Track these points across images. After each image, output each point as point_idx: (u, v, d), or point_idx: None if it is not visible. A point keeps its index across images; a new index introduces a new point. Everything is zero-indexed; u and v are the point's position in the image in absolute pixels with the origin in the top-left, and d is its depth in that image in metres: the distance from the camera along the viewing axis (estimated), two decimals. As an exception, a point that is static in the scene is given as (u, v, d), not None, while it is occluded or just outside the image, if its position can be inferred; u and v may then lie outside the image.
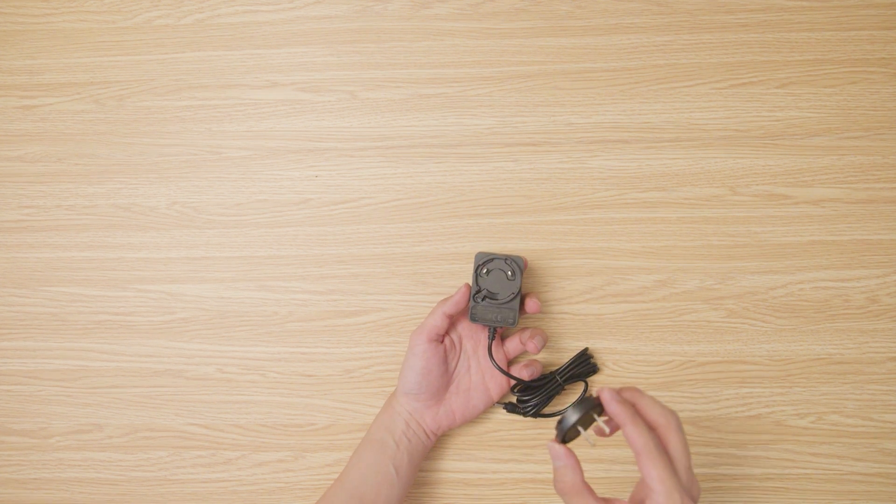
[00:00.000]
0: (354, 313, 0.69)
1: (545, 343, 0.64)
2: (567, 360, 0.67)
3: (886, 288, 0.67)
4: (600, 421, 0.51)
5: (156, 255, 0.70)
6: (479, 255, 0.62)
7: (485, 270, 0.62)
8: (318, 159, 0.69)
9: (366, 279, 0.69)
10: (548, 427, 0.68)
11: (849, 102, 0.67)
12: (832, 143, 0.67)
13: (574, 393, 0.67)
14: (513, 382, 0.65)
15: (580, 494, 0.48)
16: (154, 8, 0.70)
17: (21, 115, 0.70)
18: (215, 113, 0.70)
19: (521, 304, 0.63)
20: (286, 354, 0.69)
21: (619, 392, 0.49)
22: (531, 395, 0.66)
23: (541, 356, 0.68)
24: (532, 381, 0.65)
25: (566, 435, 0.50)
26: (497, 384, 0.65)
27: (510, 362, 0.67)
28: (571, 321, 0.68)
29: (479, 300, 0.62)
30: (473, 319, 0.62)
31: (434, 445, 0.67)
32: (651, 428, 0.49)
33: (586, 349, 0.67)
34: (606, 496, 0.48)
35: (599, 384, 0.67)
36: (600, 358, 0.68)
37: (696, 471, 0.66)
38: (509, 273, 0.62)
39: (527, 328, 0.66)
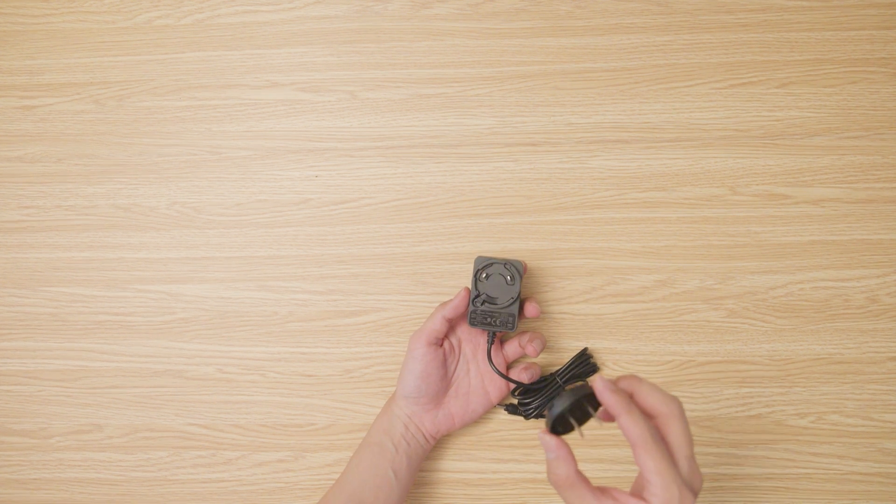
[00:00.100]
0: (354, 313, 0.69)
1: (544, 346, 0.64)
2: (567, 361, 0.67)
3: (886, 288, 0.67)
4: (594, 413, 0.48)
5: (156, 255, 0.70)
6: (478, 260, 0.62)
7: (484, 275, 0.62)
8: (318, 159, 0.69)
9: (366, 279, 0.69)
10: (548, 427, 0.68)
11: (849, 102, 0.67)
12: (832, 143, 0.67)
13: (574, 393, 0.67)
14: (512, 386, 0.65)
15: (574, 486, 0.46)
16: (154, 8, 0.70)
17: (21, 116, 0.70)
18: (215, 113, 0.70)
19: (521, 308, 0.63)
20: (286, 354, 0.69)
21: (615, 381, 0.48)
22: (532, 398, 0.66)
23: (540, 357, 0.68)
24: (532, 383, 0.65)
25: (555, 425, 0.48)
26: (496, 388, 0.65)
27: (509, 365, 0.67)
28: (571, 321, 0.68)
29: (479, 304, 0.62)
30: (473, 324, 0.62)
31: (433, 448, 0.67)
32: (651, 416, 0.47)
33: (586, 349, 0.67)
34: (602, 485, 0.47)
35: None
36: (600, 358, 0.68)
37: (695, 471, 0.66)
38: (508, 278, 0.62)
39: (526, 332, 0.66)
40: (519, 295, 0.62)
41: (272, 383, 0.69)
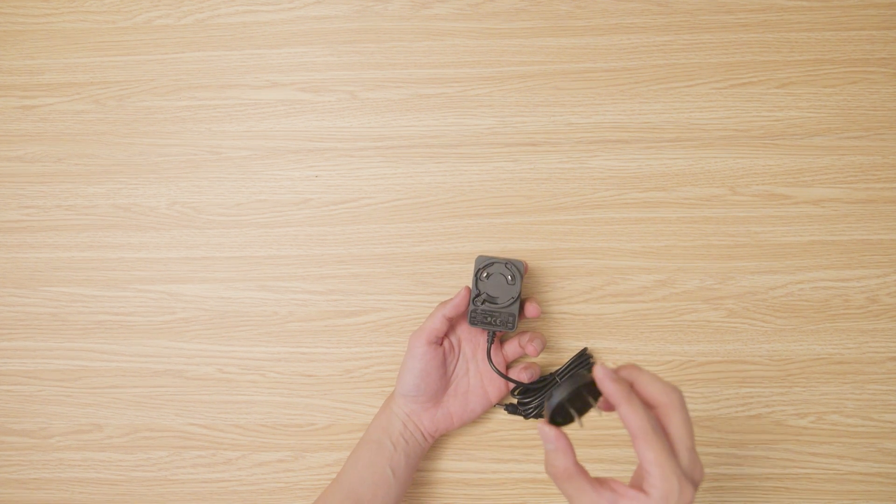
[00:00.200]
0: (354, 313, 0.69)
1: (544, 346, 0.64)
2: (567, 361, 0.67)
3: (886, 288, 0.67)
4: (594, 403, 0.47)
5: (156, 255, 0.70)
6: (479, 259, 0.62)
7: (485, 274, 0.62)
8: (318, 159, 0.69)
9: (366, 279, 0.69)
10: (548, 427, 0.68)
11: (849, 102, 0.67)
12: (832, 143, 0.67)
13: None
14: (512, 386, 0.65)
15: (572, 478, 0.46)
16: (154, 8, 0.70)
17: (21, 115, 0.70)
18: (215, 113, 0.70)
19: (521, 308, 0.63)
20: (286, 354, 0.69)
21: (615, 370, 0.47)
22: (532, 398, 0.66)
23: (540, 357, 0.68)
24: (531, 383, 0.65)
25: (554, 415, 0.47)
26: (495, 387, 0.65)
27: (509, 365, 0.67)
28: (571, 321, 0.68)
29: (479, 304, 0.62)
30: (473, 323, 0.62)
31: (431, 446, 0.67)
32: (651, 406, 0.46)
33: (585, 349, 0.67)
34: (601, 477, 0.47)
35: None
36: (600, 358, 0.68)
37: (695, 471, 0.66)
38: (509, 277, 0.62)
39: (526, 331, 0.66)
40: (519, 295, 0.62)
41: (272, 383, 0.69)
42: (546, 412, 0.47)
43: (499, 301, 0.62)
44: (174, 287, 0.69)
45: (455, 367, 0.64)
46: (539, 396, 0.65)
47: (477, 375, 0.65)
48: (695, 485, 0.45)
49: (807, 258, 0.67)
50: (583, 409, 0.48)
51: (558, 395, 0.46)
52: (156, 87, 0.70)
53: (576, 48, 0.68)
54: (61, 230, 0.70)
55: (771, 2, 0.67)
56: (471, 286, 0.62)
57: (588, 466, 0.66)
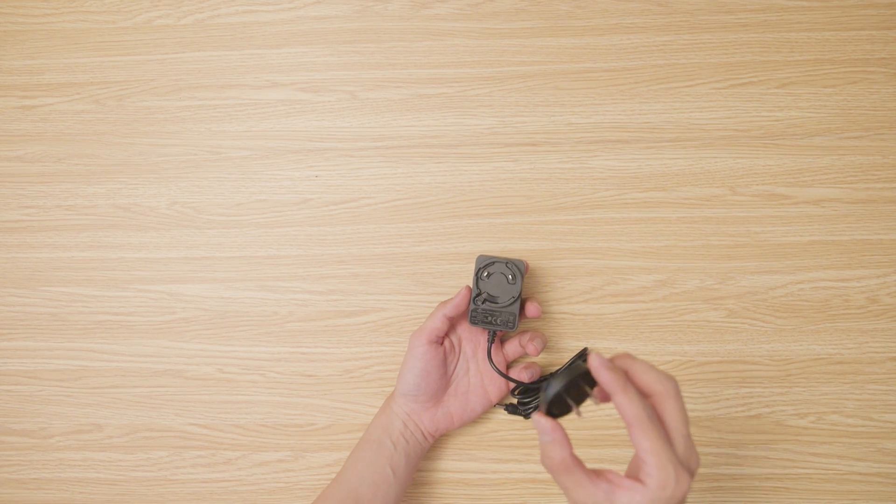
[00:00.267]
0: (354, 313, 0.69)
1: (544, 346, 0.64)
2: (567, 361, 0.67)
3: (886, 288, 0.67)
4: (590, 392, 0.47)
5: (156, 255, 0.70)
6: (480, 259, 0.62)
7: (486, 274, 0.62)
8: (318, 159, 0.69)
9: (366, 279, 0.69)
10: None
11: (849, 102, 0.67)
12: (832, 143, 0.67)
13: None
14: (512, 385, 0.65)
15: (569, 470, 0.45)
16: (154, 8, 0.70)
17: (21, 115, 0.70)
18: (215, 113, 0.70)
19: (522, 308, 0.63)
20: (286, 354, 0.69)
21: (610, 359, 0.46)
22: (532, 398, 0.66)
23: (541, 357, 0.68)
24: (532, 382, 0.65)
25: (551, 407, 0.47)
26: (496, 387, 0.65)
27: (509, 365, 0.67)
28: (571, 321, 0.68)
29: (480, 303, 0.62)
30: (473, 322, 0.62)
31: (432, 446, 0.67)
32: (646, 395, 0.46)
33: (585, 349, 0.67)
34: (597, 468, 0.46)
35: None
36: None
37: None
38: (510, 277, 0.62)
39: (526, 331, 0.66)
40: (520, 294, 0.62)
41: (272, 383, 0.69)
42: (543, 404, 0.47)
43: (499, 300, 0.62)
44: (174, 287, 0.69)
45: (455, 367, 0.64)
46: (539, 396, 0.65)
47: (477, 375, 0.65)
48: (691, 473, 0.45)
49: (807, 258, 0.67)
50: (580, 400, 0.47)
51: (555, 386, 0.46)
52: (156, 87, 0.70)
53: (576, 48, 0.68)
54: (61, 230, 0.70)
55: (771, 2, 0.67)
56: (471, 285, 0.62)
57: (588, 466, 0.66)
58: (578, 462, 0.46)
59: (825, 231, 0.67)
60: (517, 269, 0.62)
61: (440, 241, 0.68)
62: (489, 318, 0.62)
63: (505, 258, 0.62)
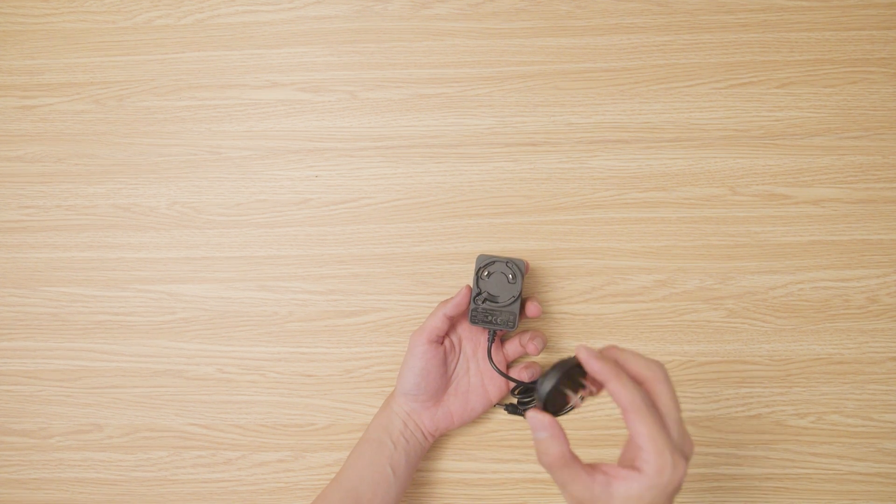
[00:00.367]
0: (354, 313, 0.69)
1: (545, 345, 0.64)
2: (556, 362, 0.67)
3: (886, 288, 0.67)
4: (585, 384, 0.47)
5: (156, 255, 0.70)
6: (480, 258, 0.62)
7: (486, 273, 0.62)
8: (318, 159, 0.69)
9: (366, 279, 0.69)
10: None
11: (849, 102, 0.67)
12: (832, 143, 0.67)
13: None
14: (512, 385, 0.65)
15: (568, 466, 0.45)
16: (154, 8, 0.70)
17: (21, 115, 0.70)
18: (215, 113, 0.70)
19: (522, 307, 0.63)
20: (286, 354, 0.69)
21: (598, 351, 0.46)
22: (532, 397, 0.66)
23: (541, 356, 0.68)
24: (532, 382, 0.65)
25: (546, 402, 0.47)
26: (496, 387, 0.65)
27: (509, 364, 0.67)
28: (571, 321, 0.68)
29: (480, 303, 0.62)
30: (474, 322, 0.62)
31: (432, 446, 0.67)
32: (637, 383, 0.46)
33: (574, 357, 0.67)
34: (592, 462, 0.46)
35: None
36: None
37: (695, 471, 0.66)
38: (510, 276, 0.62)
39: (526, 330, 0.66)
40: (520, 294, 0.62)
41: (272, 383, 0.69)
42: (538, 401, 0.47)
43: (500, 300, 0.62)
44: (174, 287, 0.69)
45: (455, 366, 0.64)
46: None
47: (477, 374, 0.65)
48: (686, 458, 0.44)
49: (807, 258, 0.67)
50: (575, 392, 0.48)
51: (549, 382, 0.46)
52: (156, 87, 0.70)
53: (576, 48, 0.68)
54: (61, 230, 0.70)
55: (771, 2, 0.67)
56: (472, 285, 0.62)
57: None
58: (575, 457, 0.46)
59: (825, 231, 0.67)
60: (517, 269, 0.62)
61: (440, 241, 0.68)
62: (489, 318, 0.62)
63: (505, 258, 0.62)
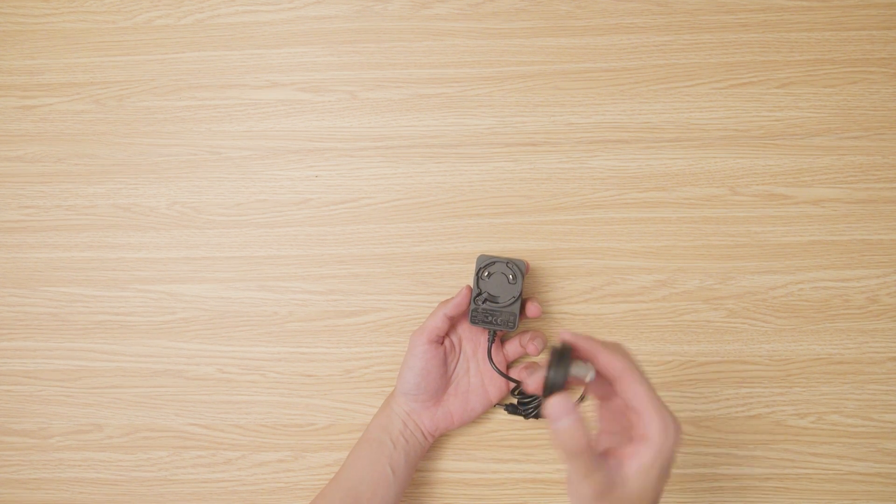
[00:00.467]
0: (354, 313, 0.69)
1: (545, 345, 0.64)
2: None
3: (886, 288, 0.67)
4: (588, 366, 0.46)
5: (156, 255, 0.70)
6: (480, 258, 0.62)
7: (486, 273, 0.62)
8: (318, 159, 0.69)
9: (366, 279, 0.69)
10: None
11: (849, 102, 0.67)
12: (832, 143, 0.67)
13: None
14: (512, 385, 0.65)
15: (585, 452, 0.43)
16: (154, 8, 0.70)
17: (21, 115, 0.70)
18: (215, 113, 0.70)
19: (522, 307, 0.63)
20: (286, 354, 0.69)
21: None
22: (532, 398, 0.66)
23: (541, 356, 0.68)
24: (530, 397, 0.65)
25: (554, 389, 0.45)
26: (496, 387, 0.65)
27: (509, 365, 0.67)
28: (571, 321, 0.68)
29: (480, 303, 0.62)
30: (474, 322, 0.62)
31: (431, 446, 0.67)
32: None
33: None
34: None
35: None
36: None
37: (695, 471, 0.66)
38: (510, 277, 0.62)
39: (527, 331, 0.66)
40: (521, 294, 0.62)
41: (272, 383, 0.69)
42: (546, 391, 0.45)
43: (500, 300, 0.62)
44: (174, 287, 0.69)
45: (455, 366, 0.64)
46: (539, 397, 0.65)
47: (477, 375, 0.65)
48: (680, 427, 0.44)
49: (807, 258, 0.67)
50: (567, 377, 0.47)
51: (561, 371, 0.44)
52: (156, 87, 0.70)
53: (576, 48, 0.68)
54: (61, 230, 0.70)
55: (771, 2, 0.67)
56: (472, 285, 0.62)
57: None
58: (592, 445, 0.44)
59: (825, 231, 0.67)
60: (518, 269, 0.62)
61: (440, 241, 0.68)
62: (489, 318, 0.62)
63: (506, 258, 0.62)
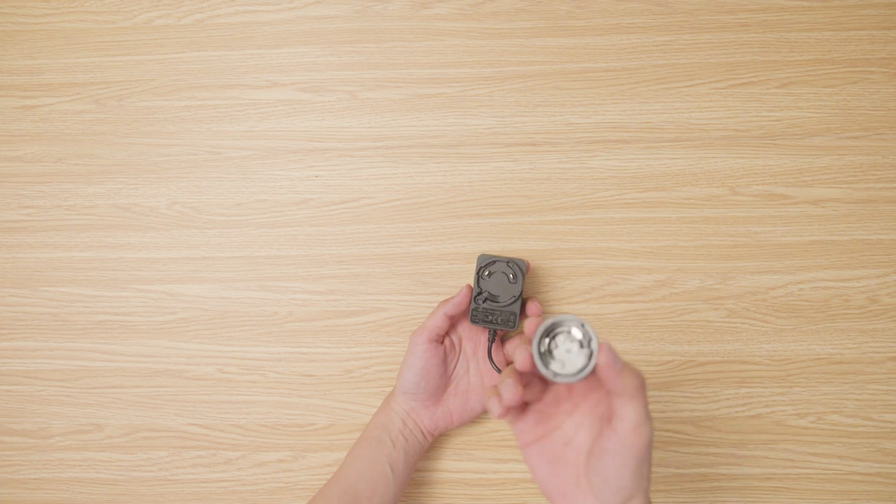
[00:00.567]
0: (354, 313, 0.69)
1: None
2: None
3: (886, 288, 0.67)
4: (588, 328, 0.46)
5: (156, 255, 0.70)
6: (481, 258, 0.62)
7: (487, 273, 0.62)
8: (318, 159, 0.69)
9: (366, 279, 0.69)
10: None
11: (849, 102, 0.67)
12: (832, 143, 0.67)
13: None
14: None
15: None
16: (154, 8, 0.70)
17: (21, 115, 0.70)
18: (215, 113, 0.70)
19: (522, 307, 0.63)
20: (286, 354, 0.69)
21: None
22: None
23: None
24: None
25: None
26: (496, 386, 0.65)
27: (509, 364, 0.66)
28: (571, 321, 0.68)
29: (480, 302, 0.62)
30: (474, 321, 0.62)
31: (431, 446, 0.67)
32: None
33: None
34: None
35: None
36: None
37: (695, 471, 0.66)
38: (511, 276, 0.62)
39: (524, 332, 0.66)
40: (521, 293, 0.62)
41: (272, 383, 0.69)
42: (539, 364, 0.46)
43: (500, 300, 0.62)
44: (174, 287, 0.69)
45: (455, 366, 0.64)
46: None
47: (477, 374, 0.65)
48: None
49: (807, 258, 0.67)
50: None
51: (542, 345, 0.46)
52: (156, 87, 0.70)
53: (576, 48, 0.68)
54: (61, 230, 0.70)
55: (771, 2, 0.67)
56: (472, 284, 0.62)
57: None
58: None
59: (825, 231, 0.67)
60: (518, 269, 0.62)
61: (440, 241, 0.68)
62: (490, 318, 0.62)
63: (506, 257, 0.62)
